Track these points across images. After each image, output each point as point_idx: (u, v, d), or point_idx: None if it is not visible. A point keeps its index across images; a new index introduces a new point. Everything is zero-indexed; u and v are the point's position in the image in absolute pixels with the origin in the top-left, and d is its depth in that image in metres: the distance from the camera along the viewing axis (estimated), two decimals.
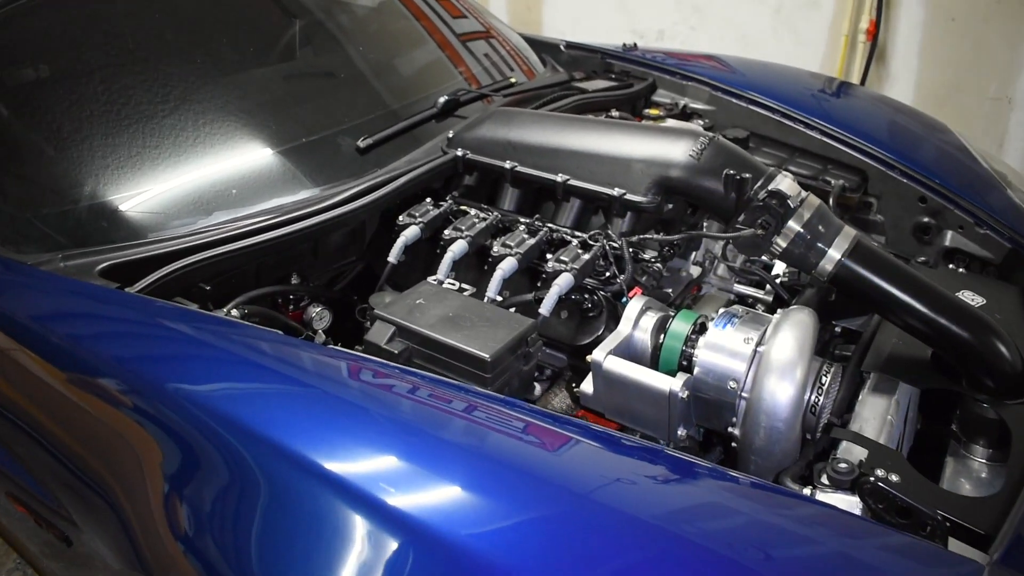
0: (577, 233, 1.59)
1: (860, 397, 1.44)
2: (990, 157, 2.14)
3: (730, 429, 1.35)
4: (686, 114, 2.36)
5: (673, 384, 1.31)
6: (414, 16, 2.33)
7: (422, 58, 2.25)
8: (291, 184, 1.68)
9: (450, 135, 1.83)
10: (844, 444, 1.30)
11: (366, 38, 2.19)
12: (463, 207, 1.70)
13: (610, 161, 1.61)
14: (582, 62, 2.60)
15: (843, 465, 1.23)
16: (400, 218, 1.64)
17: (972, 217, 1.91)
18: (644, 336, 1.43)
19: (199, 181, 1.61)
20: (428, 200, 1.69)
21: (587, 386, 1.40)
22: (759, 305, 1.84)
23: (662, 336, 1.41)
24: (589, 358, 1.36)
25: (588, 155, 1.63)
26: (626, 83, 2.41)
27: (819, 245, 1.44)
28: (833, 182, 2.04)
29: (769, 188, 1.46)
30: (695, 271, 1.74)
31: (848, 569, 1.05)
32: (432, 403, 1.17)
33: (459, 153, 1.75)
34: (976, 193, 1.95)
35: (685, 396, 1.31)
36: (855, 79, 3.83)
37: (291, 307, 1.57)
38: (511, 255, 1.51)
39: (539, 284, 1.53)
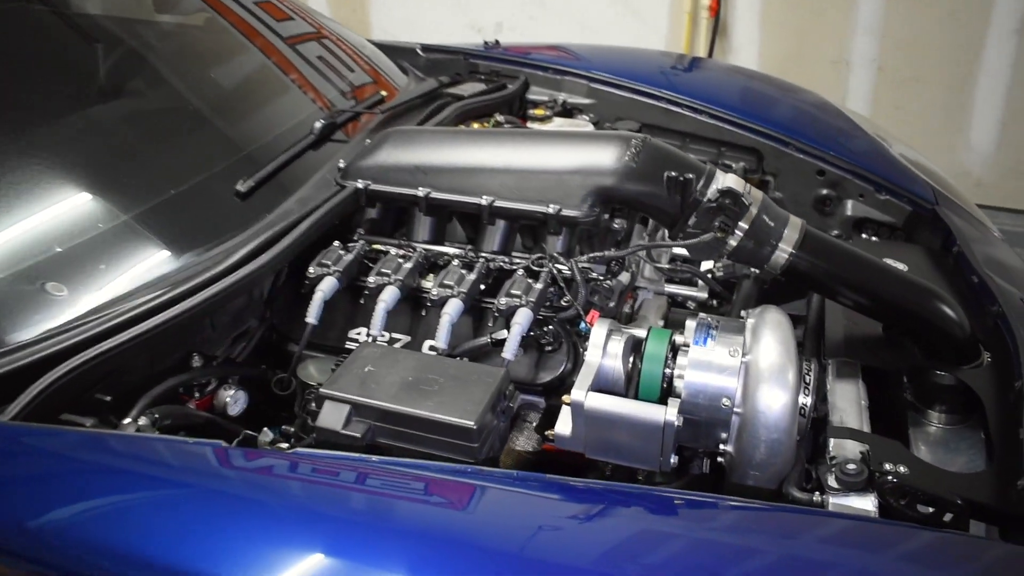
0: (516, 259, 1.44)
1: (828, 386, 1.41)
2: (865, 120, 2.20)
3: (722, 447, 1.26)
4: (567, 110, 2.25)
5: (668, 414, 1.20)
6: (245, 34, 2.05)
7: (276, 81, 1.98)
8: (170, 248, 1.39)
9: (341, 165, 1.60)
10: (833, 440, 1.26)
11: (208, 64, 1.90)
12: (376, 246, 1.50)
13: (538, 176, 1.46)
14: (444, 66, 2.42)
15: (852, 466, 1.19)
16: (311, 269, 1.41)
17: (871, 184, 1.95)
18: (615, 363, 1.30)
19: (56, 262, 1.30)
20: (336, 244, 1.47)
21: (563, 427, 1.26)
22: (689, 303, 1.77)
23: (634, 360, 1.29)
24: (567, 399, 1.23)
25: (512, 171, 1.47)
26: (499, 83, 2.27)
27: (770, 240, 1.37)
28: (734, 166, 2.00)
29: (719, 187, 1.38)
30: (625, 278, 1.64)
31: None
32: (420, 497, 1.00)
33: (360, 184, 1.53)
34: (870, 160, 1.99)
35: (680, 423, 1.20)
36: (702, 55, 3.91)
37: (196, 394, 1.31)
38: (455, 296, 1.33)
39: (491, 323, 1.37)
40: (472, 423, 1.09)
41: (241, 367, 1.40)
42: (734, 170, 2.00)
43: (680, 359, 1.28)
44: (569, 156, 1.45)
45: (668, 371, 1.26)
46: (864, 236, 1.92)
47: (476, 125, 2.00)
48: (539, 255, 1.42)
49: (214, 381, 1.32)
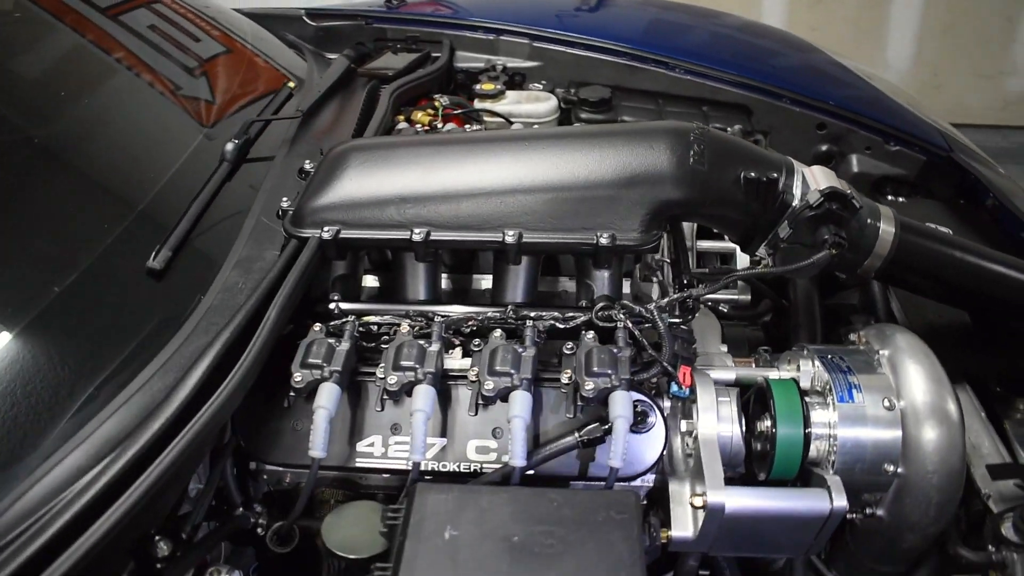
0: (568, 313, 1.08)
1: None
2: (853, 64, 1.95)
3: (869, 510, 1.01)
4: (513, 80, 1.86)
5: (836, 499, 0.92)
6: (57, 16, 1.44)
7: (137, 90, 1.40)
8: (77, 385, 0.91)
9: (285, 207, 1.16)
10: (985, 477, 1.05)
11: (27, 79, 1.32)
12: (368, 319, 1.08)
13: (576, 194, 1.08)
14: (341, 35, 1.94)
15: None
16: (297, 375, 0.98)
17: (879, 135, 1.71)
18: (730, 431, 1.01)
19: None
20: (317, 327, 1.05)
21: (682, 530, 0.97)
22: (722, 306, 1.46)
23: (748, 422, 1.01)
24: (697, 503, 0.92)
25: (539, 191, 1.09)
26: (423, 53, 1.83)
27: (867, 240, 1.10)
28: (729, 129, 1.70)
29: (818, 187, 1.07)
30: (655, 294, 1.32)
31: None
32: None
33: (326, 235, 1.10)
34: (873, 108, 1.75)
35: (845, 506, 0.93)
36: None
37: None
38: (520, 388, 0.96)
39: (568, 415, 1.00)
40: None
41: (220, 537, 0.97)
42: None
43: (816, 415, 1.00)
44: (614, 164, 1.09)
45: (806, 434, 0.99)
46: (890, 197, 1.69)
47: (420, 115, 1.57)
48: (603, 303, 1.06)
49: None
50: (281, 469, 1.04)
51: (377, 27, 1.94)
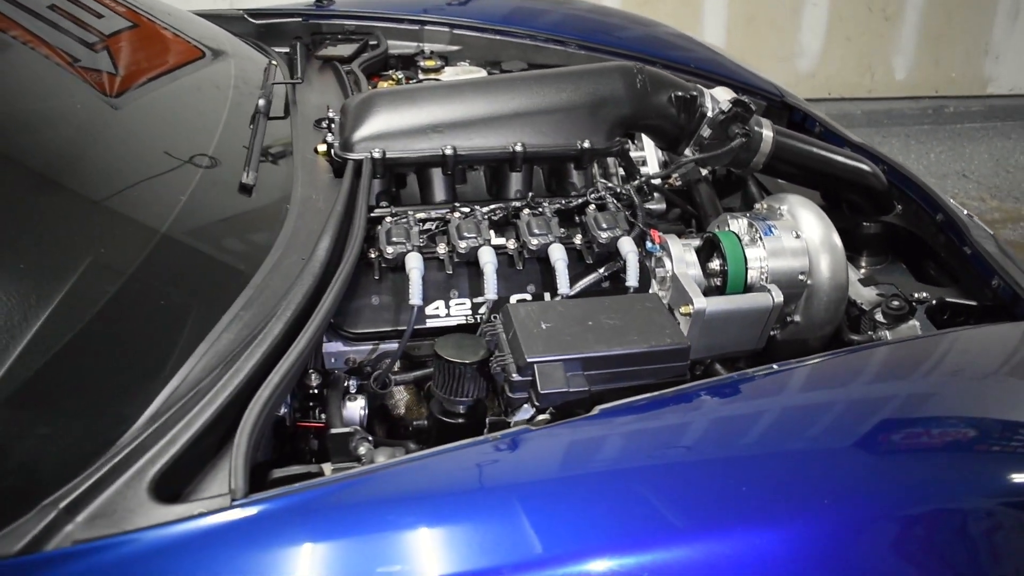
0: (576, 198, 1.45)
1: None
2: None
3: (789, 318, 1.43)
4: (445, 60, 2.21)
5: (775, 295, 1.34)
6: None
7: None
8: (236, 266, 1.17)
9: (330, 140, 1.46)
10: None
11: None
12: (421, 215, 1.40)
13: (561, 115, 1.47)
14: (281, 30, 2.21)
15: (895, 303, 1.43)
16: (388, 248, 1.28)
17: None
18: (696, 271, 1.42)
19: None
20: (389, 219, 1.35)
21: None
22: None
23: (717, 263, 1.42)
24: (686, 310, 1.31)
25: (535, 115, 1.47)
26: (363, 42, 2.14)
27: (756, 141, 1.57)
28: (724, 100, 2.13)
29: (728, 98, 1.52)
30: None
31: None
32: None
33: (375, 154, 1.41)
34: (720, 68, 2.26)
35: (781, 300, 1.35)
36: None
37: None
38: (555, 242, 1.33)
39: (589, 261, 1.38)
40: (688, 343, 1.13)
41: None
42: None
43: (750, 252, 1.42)
44: (585, 92, 1.49)
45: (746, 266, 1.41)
46: None
47: (386, 85, 1.89)
48: (592, 188, 1.45)
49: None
50: (369, 333, 1.33)
51: (313, 23, 2.23)
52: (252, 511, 0.77)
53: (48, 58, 1.28)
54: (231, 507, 0.78)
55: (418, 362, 1.37)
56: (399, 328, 1.30)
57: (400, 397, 1.38)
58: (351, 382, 1.23)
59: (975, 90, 4.86)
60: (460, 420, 1.21)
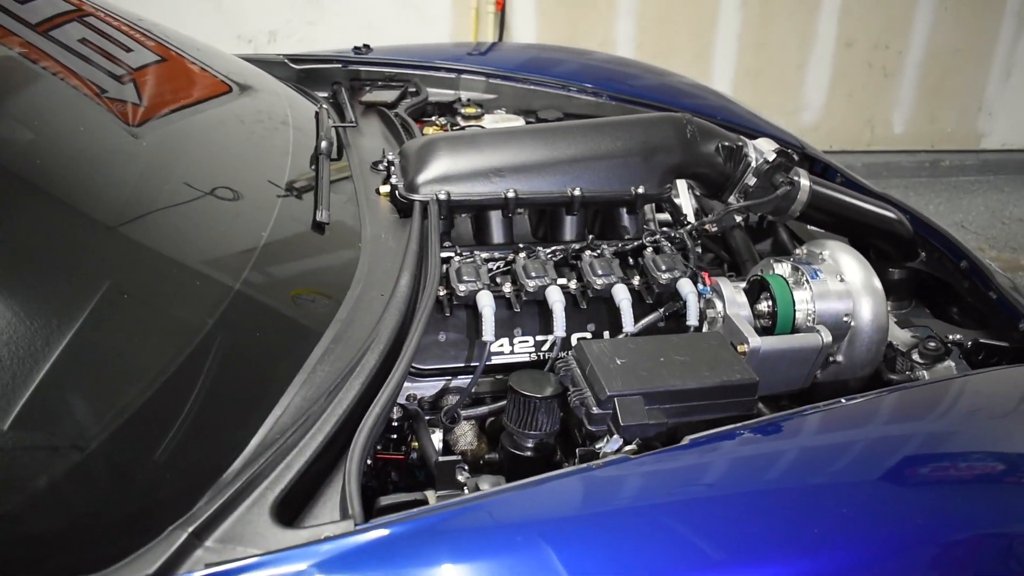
0: (631, 241, 1.51)
1: None
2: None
3: (832, 358, 1.49)
4: (482, 108, 2.28)
5: (824, 336, 1.39)
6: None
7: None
8: (328, 298, 1.20)
9: (394, 182, 1.51)
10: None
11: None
12: (482, 255, 1.45)
13: (614, 162, 1.54)
14: (321, 76, 2.27)
15: (932, 344, 1.49)
16: (461, 287, 1.32)
17: None
18: (746, 312, 1.47)
19: None
20: (456, 259, 1.40)
21: None
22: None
23: (765, 304, 1.47)
24: (744, 348, 1.36)
25: (591, 161, 1.53)
26: (404, 88, 2.21)
27: (795, 189, 1.64)
28: (769, 152, 2.20)
29: (773, 148, 1.59)
30: None
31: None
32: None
33: (440, 195, 1.46)
34: (741, 118, 2.34)
35: (831, 340, 1.40)
36: None
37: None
38: (619, 283, 1.38)
39: (649, 301, 1.43)
40: (756, 378, 1.18)
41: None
42: None
43: (797, 294, 1.48)
44: (639, 140, 1.56)
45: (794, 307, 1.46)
46: None
47: (431, 130, 1.95)
48: (648, 232, 1.51)
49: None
50: (436, 369, 1.36)
51: (352, 69, 2.30)
52: (382, 533, 0.79)
53: (76, 89, 1.26)
54: (356, 531, 0.80)
55: (477, 399, 1.40)
56: (466, 364, 1.34)
57: (461, 432, 1.41)
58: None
59: (970, 144, 5.04)
60: (529, 454, 1.24)
